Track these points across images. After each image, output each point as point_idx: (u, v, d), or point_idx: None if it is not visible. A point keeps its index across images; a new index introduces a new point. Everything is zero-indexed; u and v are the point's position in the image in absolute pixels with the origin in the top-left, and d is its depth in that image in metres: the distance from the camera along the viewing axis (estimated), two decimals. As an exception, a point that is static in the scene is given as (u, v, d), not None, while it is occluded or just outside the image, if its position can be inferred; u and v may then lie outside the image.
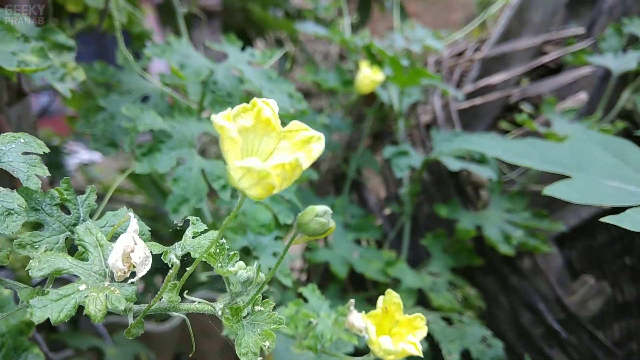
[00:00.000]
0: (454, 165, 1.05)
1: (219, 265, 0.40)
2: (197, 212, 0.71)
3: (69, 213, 0.44)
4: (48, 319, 0.33)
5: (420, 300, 1.06)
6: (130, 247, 0.38)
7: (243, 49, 0.86)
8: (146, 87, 0.86)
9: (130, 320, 0.39)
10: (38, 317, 0.32)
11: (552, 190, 0.72)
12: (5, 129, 0.67)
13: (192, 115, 0.75)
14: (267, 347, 0.38)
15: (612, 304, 1.08)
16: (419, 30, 1.54)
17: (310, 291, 0.68)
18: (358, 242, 1.19)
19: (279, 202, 0.76)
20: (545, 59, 1.28)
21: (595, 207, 1.10)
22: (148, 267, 0.38)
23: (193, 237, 0.42)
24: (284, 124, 0.37)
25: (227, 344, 0.51)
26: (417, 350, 0.51)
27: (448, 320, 0.99)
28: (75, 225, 0.42)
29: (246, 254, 0.74)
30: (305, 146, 0.35)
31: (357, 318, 0.61)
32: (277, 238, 0.79)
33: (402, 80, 1.26)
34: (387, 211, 1.37)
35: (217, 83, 0.77)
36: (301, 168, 0.32)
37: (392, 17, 1.70)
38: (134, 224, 0.40)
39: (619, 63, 1.14)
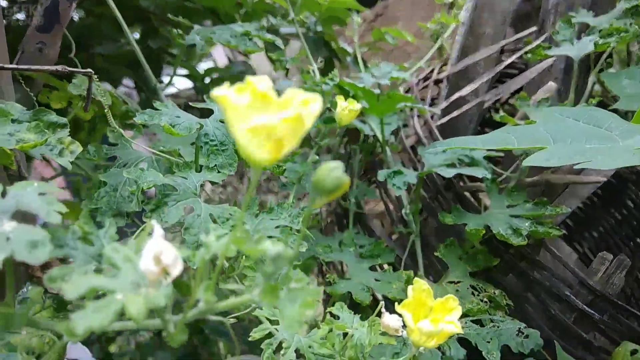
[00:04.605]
0: (447, 172, 1.08)
1: (246, 246, 0.41)
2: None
3: (91, 245, 0.45)
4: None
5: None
6: (160, 250, 0.39)
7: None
8: (141, 156, 0.89)
9: (172, 329, 0.39)
10: (81, 328, 0.32)
11: (530, 160, 0.75)
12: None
13: (190, 169, 0.78)
14: (308, 315, 0.39)
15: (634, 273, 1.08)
16: (384, 66, 1.61)
17: (339, 308, 0.69)
18: (373, 269, 1.20)
19: (291, 234, 0.78)
20: (508, 61, 1.35)
21: (594, 184, 1.12)
22: (180, 267, 0.39)
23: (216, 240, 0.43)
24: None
25: None
26: (457, 327, 0.51)
27: (480, 323, 0.98)
28: (100, 255, 0.44)
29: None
30: (304, 107, 0.37)
31: (391, 318, 0.61)
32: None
33: (378, 109, 1.31)
34: (395, 236, 1.38)
35: (209, 135, 0.80)
36: (304, 123, 0.34)
37: (354, 70, 1.78)
38: (158, 229, 0.41)
39: (577, 49, 1.21)
